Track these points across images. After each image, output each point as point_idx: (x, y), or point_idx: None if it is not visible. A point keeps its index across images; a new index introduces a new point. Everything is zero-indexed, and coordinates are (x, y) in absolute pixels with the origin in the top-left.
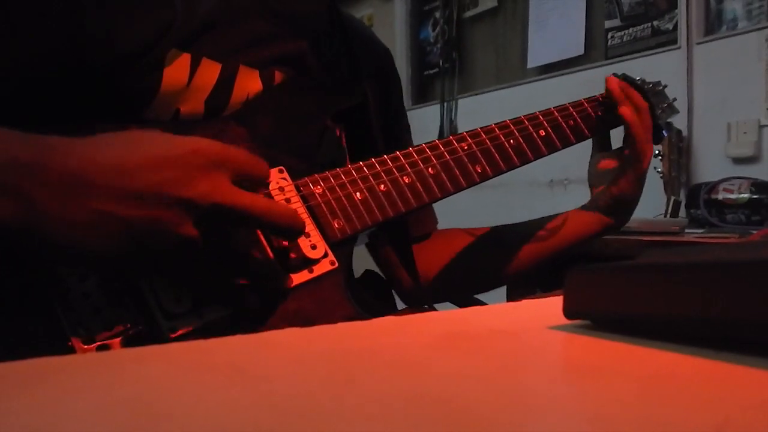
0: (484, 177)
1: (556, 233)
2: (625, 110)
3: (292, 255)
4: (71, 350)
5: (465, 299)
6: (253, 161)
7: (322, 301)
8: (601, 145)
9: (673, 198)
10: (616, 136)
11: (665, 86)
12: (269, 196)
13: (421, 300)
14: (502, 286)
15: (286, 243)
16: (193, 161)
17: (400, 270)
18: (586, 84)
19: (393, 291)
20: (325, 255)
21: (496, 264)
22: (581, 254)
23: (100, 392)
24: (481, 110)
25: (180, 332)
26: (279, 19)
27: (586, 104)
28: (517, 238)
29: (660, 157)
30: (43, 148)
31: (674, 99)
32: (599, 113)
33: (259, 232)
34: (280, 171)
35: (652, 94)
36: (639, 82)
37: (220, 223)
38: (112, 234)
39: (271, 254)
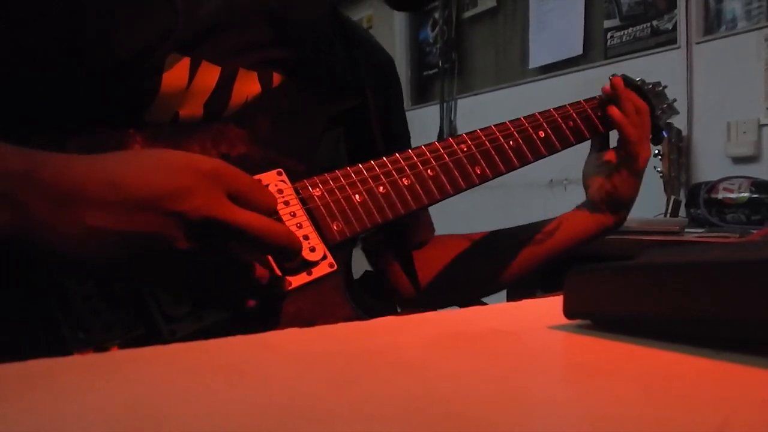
0: (483, 179)
1: (552, 236)
2: (613, 111)
3: None
4: (70, 352)
5: (464, 303)
6: (256, 186)
7: (322, 303)
8: (601, 146)
9: (673, 197)
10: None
11: (665, 87)
12: (280, 219)
13: (419, 307)
14: (499, 291)
15: None
16: (188, 176)
17: (399, 278)
18: (586, 84)
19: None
20: (324, 257)
21: (493, 270)
22: (580, 255)
23: (100, 394)
24: (481, 110)
25: (180, 335)
26: (280, 22)
27: (585, 105)
28: (514, 242)
29: (660, 157)
30: (38, 163)
31: (674, 100)
32: (599, 114)
33: None
34: (279, 173)
35: (652, 95)
36: (639, 83)
37: (214, 236)
38: (106, 245)
39: (269, 258)
